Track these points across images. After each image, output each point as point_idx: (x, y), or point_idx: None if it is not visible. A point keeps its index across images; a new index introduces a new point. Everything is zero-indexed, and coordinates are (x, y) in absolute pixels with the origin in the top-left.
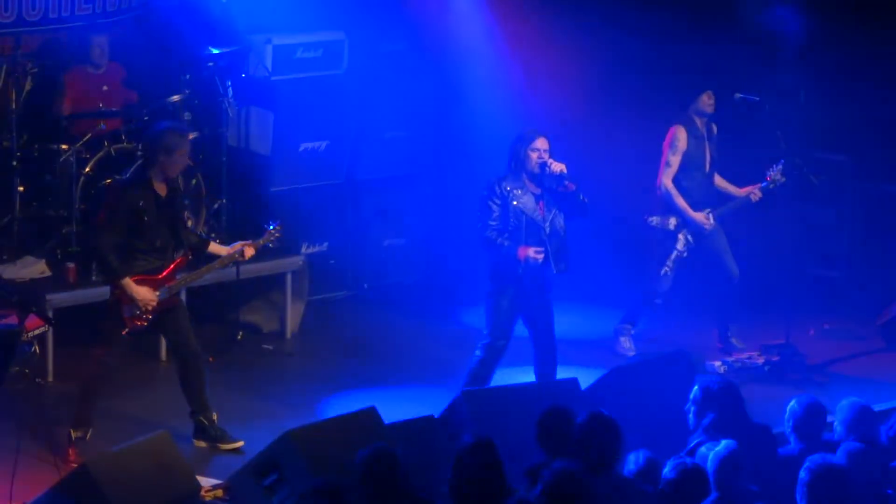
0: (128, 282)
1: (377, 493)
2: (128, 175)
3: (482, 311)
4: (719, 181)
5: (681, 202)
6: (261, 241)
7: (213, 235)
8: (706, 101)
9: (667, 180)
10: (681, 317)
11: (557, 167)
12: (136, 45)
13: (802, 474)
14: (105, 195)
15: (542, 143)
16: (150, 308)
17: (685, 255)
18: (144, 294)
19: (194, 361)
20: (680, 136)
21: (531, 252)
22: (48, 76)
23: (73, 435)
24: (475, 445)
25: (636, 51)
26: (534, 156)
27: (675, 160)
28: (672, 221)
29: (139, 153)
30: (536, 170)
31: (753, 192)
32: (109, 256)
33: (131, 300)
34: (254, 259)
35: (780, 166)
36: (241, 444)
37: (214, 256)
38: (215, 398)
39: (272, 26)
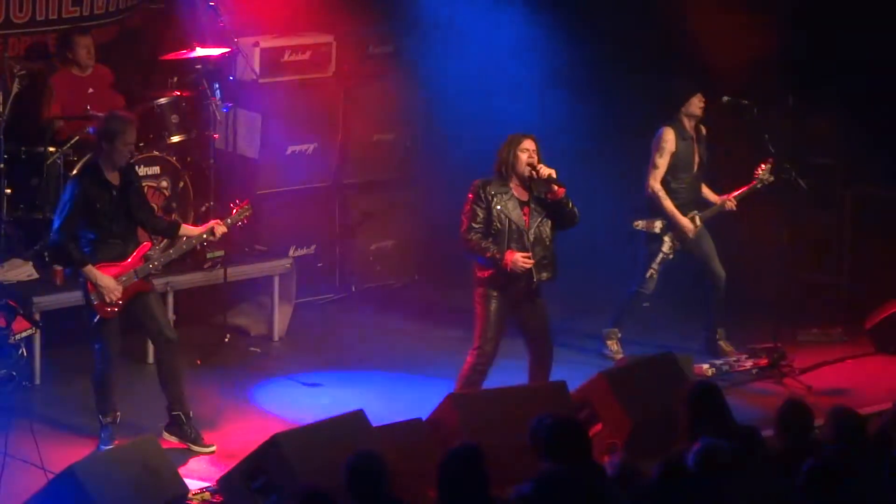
0: (90, 269)
1: (364, 497)
2: (80, 168)
3: (470, 315)
4: (703, 187)
5: (668, 205)
6: (228, 221)
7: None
8: (696, 104)
9: (654, 182)
10: (669, 319)
11: (545, 171)
12: (123, 48)
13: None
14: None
15: (529, 144)
16: (114, 298)
17: (671, 257)
18: (108, 283)
19: (167, 350)
20: (667, 137)
21: (518, 258)
22: (35, 79)
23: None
24: (460, 453)
25: (624, 52)
26: (523, 156)
27: (662, 162)
28: (657, 224)
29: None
30: (527, 171)
31: (728, 199)
32: (70, 247)
33: (96, 288)
34: (241, 262)
35: (768, 165)
36: (213, 449)
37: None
38: (203, 400)
39: (260, 29)
